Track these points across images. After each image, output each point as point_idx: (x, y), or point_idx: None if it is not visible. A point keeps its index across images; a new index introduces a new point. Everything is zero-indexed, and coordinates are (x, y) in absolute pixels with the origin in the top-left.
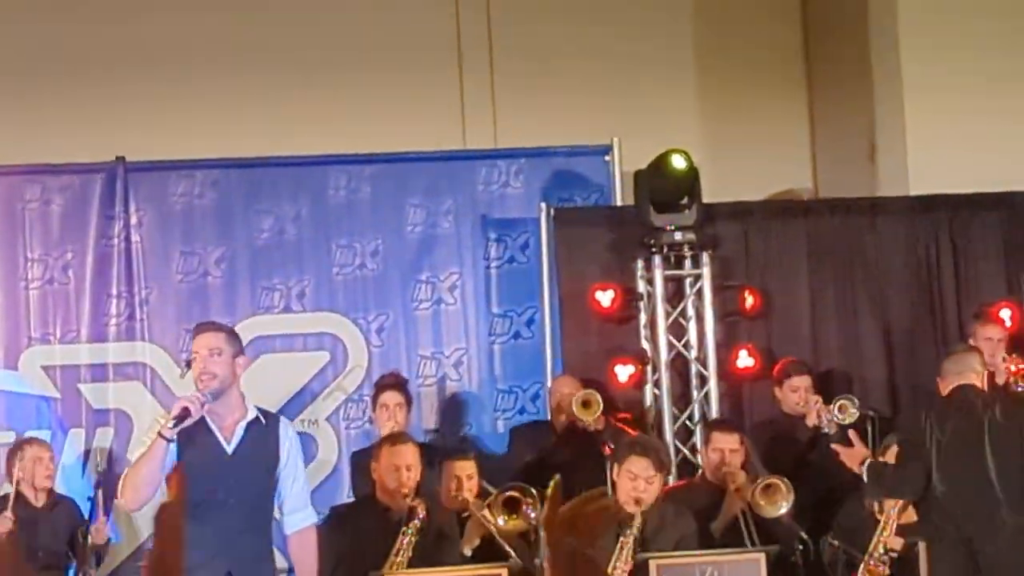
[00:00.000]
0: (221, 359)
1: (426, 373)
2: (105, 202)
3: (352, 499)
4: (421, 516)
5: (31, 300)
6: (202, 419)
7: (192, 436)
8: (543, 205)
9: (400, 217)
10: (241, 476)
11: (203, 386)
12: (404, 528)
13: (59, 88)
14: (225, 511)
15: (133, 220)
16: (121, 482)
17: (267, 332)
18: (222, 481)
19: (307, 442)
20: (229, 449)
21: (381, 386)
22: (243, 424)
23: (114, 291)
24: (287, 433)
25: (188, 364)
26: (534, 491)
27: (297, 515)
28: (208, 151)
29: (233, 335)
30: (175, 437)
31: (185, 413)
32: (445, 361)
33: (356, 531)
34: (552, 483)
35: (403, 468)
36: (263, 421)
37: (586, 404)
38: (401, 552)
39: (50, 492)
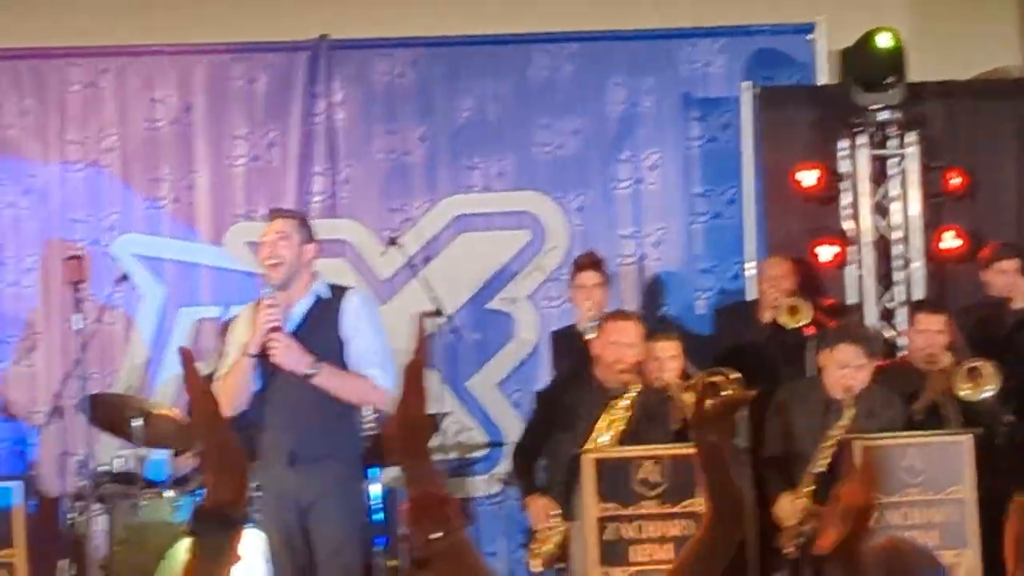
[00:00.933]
0: (288, 244)
1: (625, 253)
2: (309, 80)
3: (553, 377)
4: (635, 393)
5: (237, 177)
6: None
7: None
8: (746, 84)
9: (601, 96)
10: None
11: (270, 271)
12: (615, 402)
13: None
14: (288, 391)
15: (336, 98)
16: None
17: (467, 211)
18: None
19: (506, 321)
20: (291, 328)
21: (579, 265)
22: (302, 303)
23: (317, 168)
24: (351, 303)
25: (391, 241)
26: (737, 376)
27: (372, 371)
28: (410, 30)
29: (304, 223)
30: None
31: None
32: (644, 241)
33: (567, 406)
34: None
35: (624, 344)
36: (323, 298)
37: (793, 311)
38: (612, 426)
39: None
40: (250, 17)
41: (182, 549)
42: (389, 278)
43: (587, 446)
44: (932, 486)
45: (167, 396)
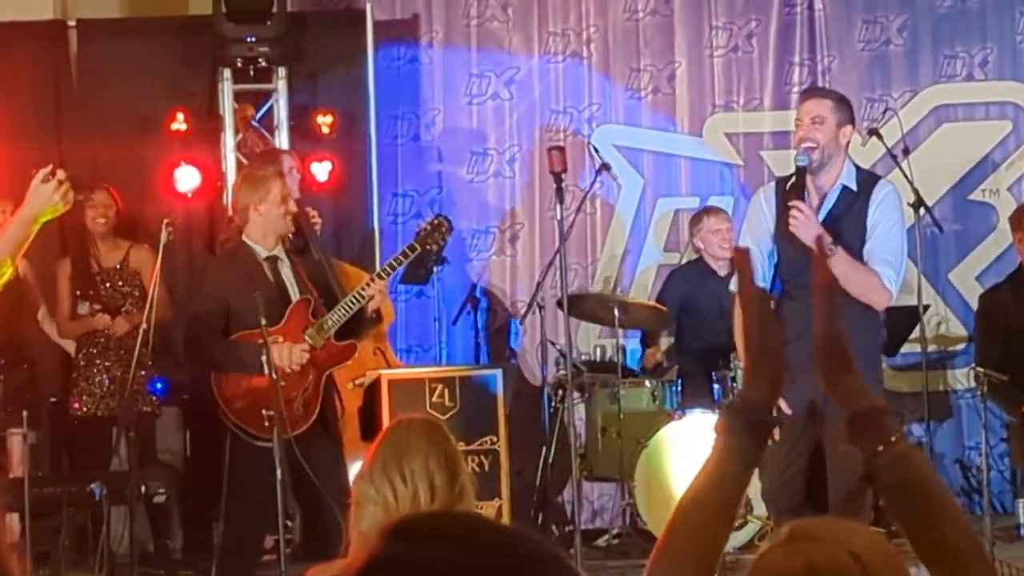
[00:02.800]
0: (823, 127)
1: None
2: None
3: None
4: None
5: (715, 68)
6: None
7: (795, 195)
8: None
9: None
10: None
11: (803, 152)
12: None
13: None
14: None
15: None
16: None
17: (949, 101)
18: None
19: (987, 212)
20: (820, 216)
21: None
22: (836, 190)
23: (796, 59)
24: (880, 193)
25: (872, 132)
26: None
27: (882, 269)
28: None
29: (843, 102)
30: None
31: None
32: None
33: (1015, 306)
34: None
35: None
36: (854, 188)
37: None
38: None
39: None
40: None
41: (664, 438)
42: (870, 168)
43: None
44: None
45: (645, 285)
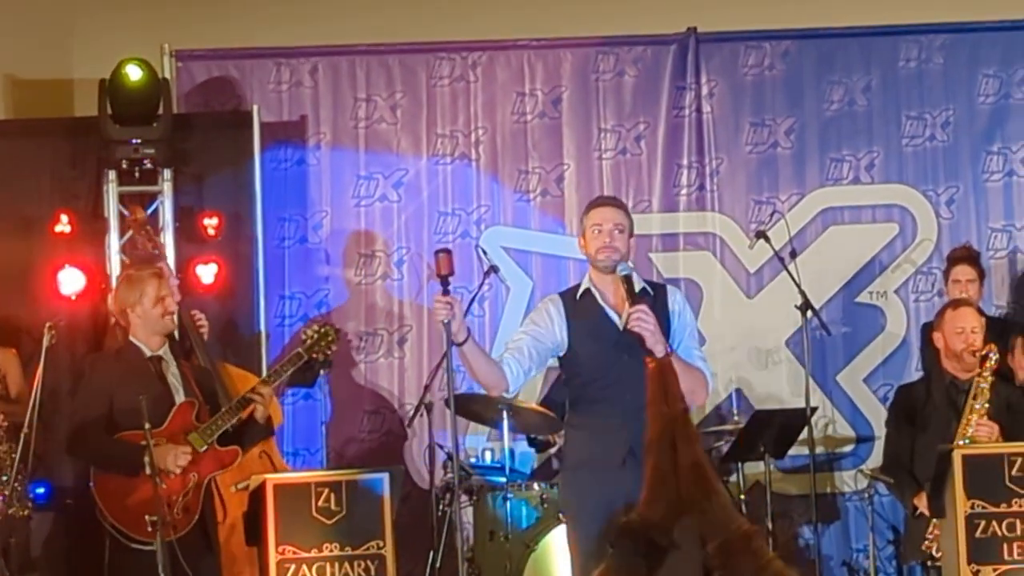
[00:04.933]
0: (622, 236)
1: (997, 246)
2: (677, 73)
3: (919, 373)
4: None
5: (604, 170)
6: (593, 297)
7: (586, 312)
8: None
9: (972, 87)
10: (630, 350)
11: (605, 255)
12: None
13: None
14: (623, 383)
15: (704, 91)
16: None
17: (835, 203)
18: (613, 352)
19: (875, 314)
20: (620, 324)
21: (953, 259)
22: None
23: (684, 161)
24: (674, 296)
25: (759, 235)
26: None
27: (700, 364)
28: (778, 22)
29: (629, 214)
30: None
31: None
32: (1017, 234)
33: (925, 403)
34: None
35: (968, 330)
36: (650, 292)
37: None
38: (979, 396)
39: None
40: (618, 11)
41: (552, 542)
42: (756, 271)
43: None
44: None
45: (533, 392)
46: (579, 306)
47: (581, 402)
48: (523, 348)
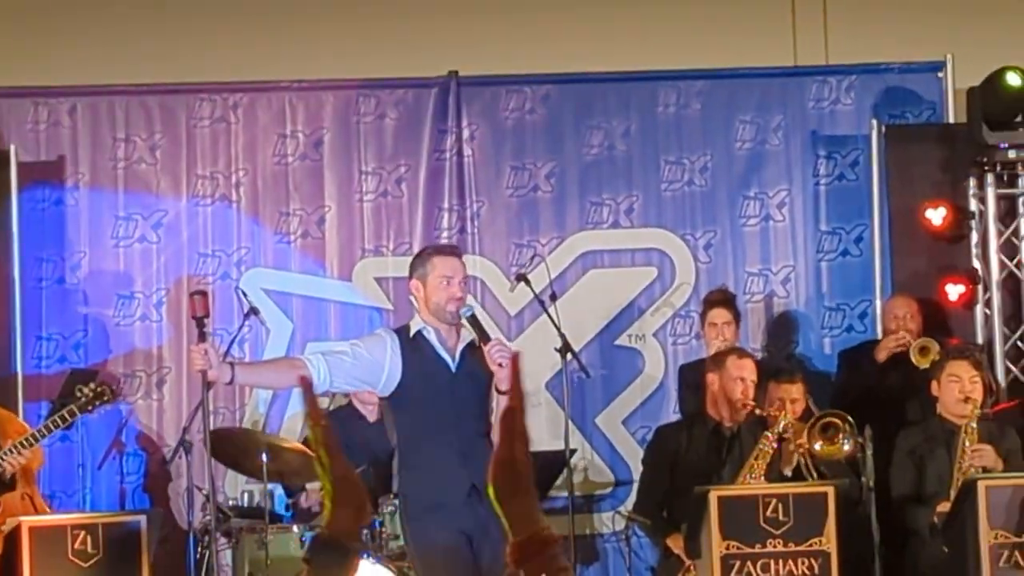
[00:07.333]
0: (466, 285)
1: (753, 290)
2: (438, 116)
3: (677, 415)
4: (782, 425)
5: (365, 212)
6: (426, 340)
7: (421, 352)
8: (874, 122)
9: (729, 133)
10: (464, 392)
11: (456, 306)
12: (768, 433)
13: (393, 2)
14: (459, 424)
15: (465, 134)
16: None
17: (595, 247)
18: (448, 396)
19: (634, 357)
20: (453, 367)
21: (710, 302)
22: (462, 347)
23: (446, 204)
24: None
25: (520, 277)
26: (851, 420)
27: None
28: (539, 67)
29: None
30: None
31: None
32: (773, 278)
33: (686, 446)
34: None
35: (748, 381)
36: (477, 344)
37: (924, 351)
38: (760, 457)
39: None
40: (379, 53)
41: None
42: (517, 314)
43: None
44: None
45: (294, 431)
46: (412, 345)
47: (413, 442)
48: (343, 357)
